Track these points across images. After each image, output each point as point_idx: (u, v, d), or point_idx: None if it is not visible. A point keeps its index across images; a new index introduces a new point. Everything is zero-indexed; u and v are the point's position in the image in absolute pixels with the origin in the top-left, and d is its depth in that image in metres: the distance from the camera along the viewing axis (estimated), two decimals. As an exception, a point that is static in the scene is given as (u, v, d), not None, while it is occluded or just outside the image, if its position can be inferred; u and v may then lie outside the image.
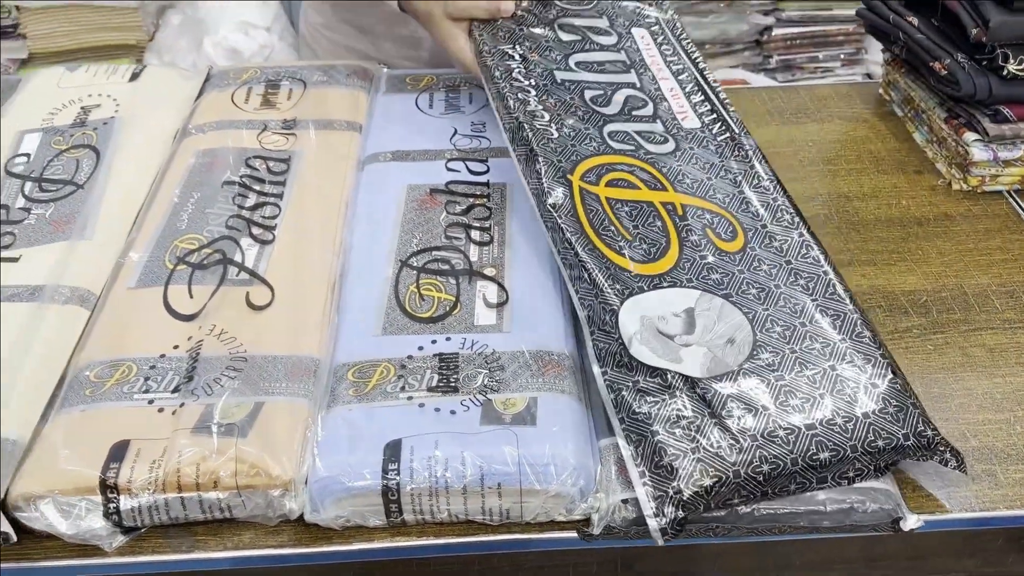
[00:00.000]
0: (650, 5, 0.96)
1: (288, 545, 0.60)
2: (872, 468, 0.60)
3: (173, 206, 0.81)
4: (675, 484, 0.57)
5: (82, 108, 0.95)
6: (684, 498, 0.56)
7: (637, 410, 0.60)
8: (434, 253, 0.77)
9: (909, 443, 0.60)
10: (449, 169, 0.87)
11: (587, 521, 0.60)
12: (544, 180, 0.75)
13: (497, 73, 0.84)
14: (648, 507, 0.57)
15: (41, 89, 0.99)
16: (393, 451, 0.59)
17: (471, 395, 0.64)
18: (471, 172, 0.87)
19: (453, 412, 0.63)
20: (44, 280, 0.73)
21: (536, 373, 0.65)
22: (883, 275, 0.83)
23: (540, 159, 0.76)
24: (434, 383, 0.65)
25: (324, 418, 0.63)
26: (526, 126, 0.79)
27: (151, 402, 0.63)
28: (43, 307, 0.71)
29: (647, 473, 0.58)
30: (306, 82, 0.98)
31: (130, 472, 0.58)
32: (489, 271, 0.75)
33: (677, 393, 0.61)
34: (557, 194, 0.74)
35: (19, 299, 0.72)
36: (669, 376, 0.62)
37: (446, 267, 0.75)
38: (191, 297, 0.71)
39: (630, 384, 0.62)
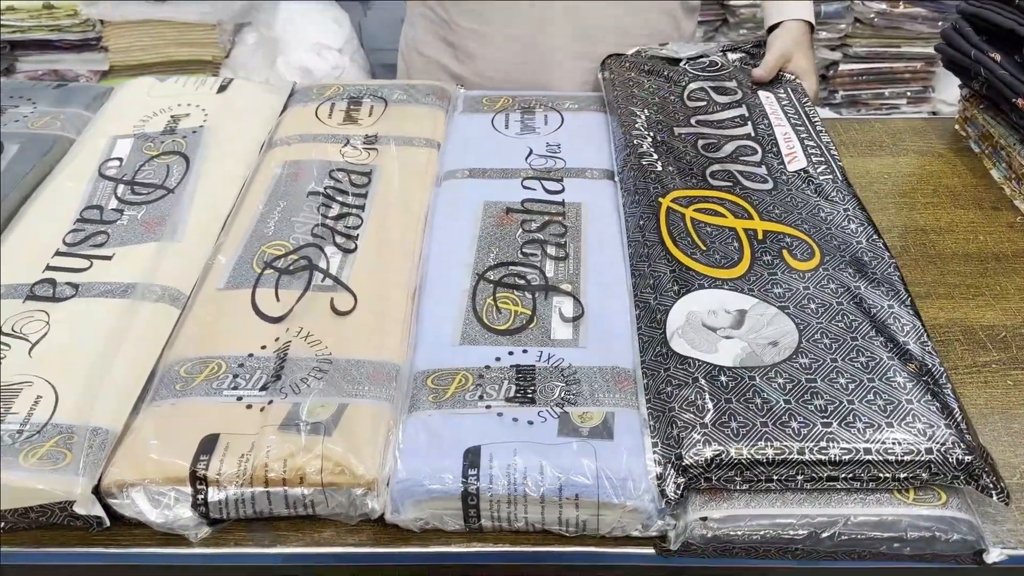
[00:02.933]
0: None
1: (367, 544, 0.61)
2: (890, 478, 0.59)
3: (260, 213, 0.83)
4: (678, 451, 0.59)
5: (172, 116, 0.98)
6: (684, 464, 0.59)
7: (662, 391, 0.64)
8: (511, 268, 0.78)
9: (933, 458, 0.59)
10: (525, 187, 0.88)
11: (663, 538, 0.60)
12: (636, 196, 0.82)
13: (621, 119, 0.96)
14: (653, 472, 0.59)
15: (132, 97, 1.03)
16: (473, 457, 0.60)
17: (548, 407, 0.65)
18: (547, 191, 0.88)
19: (531, 422, 0.63)
20: (136, 278, 0.76)
21: (612, 389, 0.66)
22: (960, 309, 0.82)
23: (632, 185, 0.83)
24: (511, 394, 0.66)
25: (405, 422, 0.64)
26: (631, 160, 0.87)
27: (240, 399, 0.65)
28: (135, 304, 0.73)
29: (660, 444, 0.61)
30: (387, 100, 1.01)
31: (219, 465, 0.60)
32: (565, 286, 0.76)
33: (701, 380, 0.64)
34: (644, 210, 0.80)
35: (112, 295, 0.74)
36: (698, 366, 0.65)
37: (522, 282, 0.76)
38: (278, 300, 0.73)
39: (662, 371, 0.65)
